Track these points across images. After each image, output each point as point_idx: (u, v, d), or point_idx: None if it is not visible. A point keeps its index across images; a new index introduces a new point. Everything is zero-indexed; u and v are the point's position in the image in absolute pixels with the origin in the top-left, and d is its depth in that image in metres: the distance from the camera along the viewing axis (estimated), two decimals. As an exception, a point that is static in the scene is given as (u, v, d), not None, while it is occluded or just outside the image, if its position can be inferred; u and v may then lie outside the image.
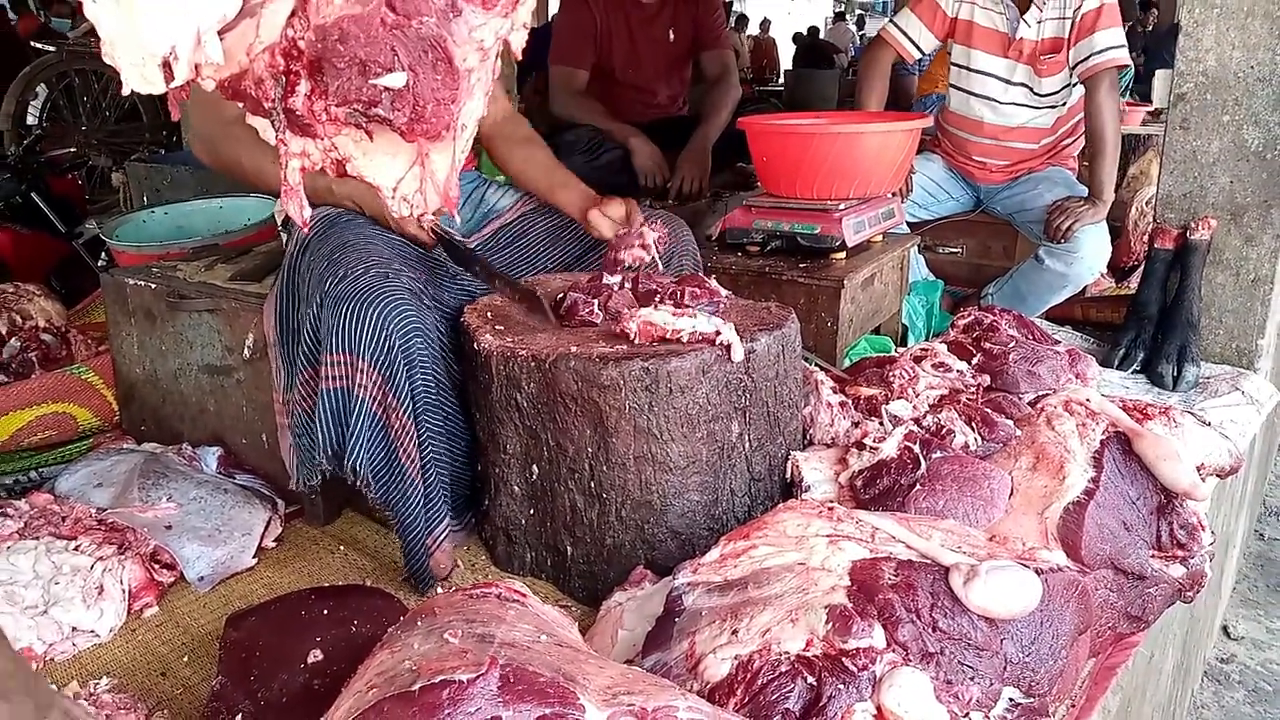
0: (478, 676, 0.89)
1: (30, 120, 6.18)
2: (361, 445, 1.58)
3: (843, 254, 2.45)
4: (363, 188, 1.35)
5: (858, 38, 18.38)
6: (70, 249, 3.89)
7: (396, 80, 0.82)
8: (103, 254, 3.58)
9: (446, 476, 1.73)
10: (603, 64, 3.41)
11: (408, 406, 1.59)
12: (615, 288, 1.74)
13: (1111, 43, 2.84)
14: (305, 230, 1.77)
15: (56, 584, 1.56)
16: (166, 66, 0.80)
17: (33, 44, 6.45)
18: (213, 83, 0.85)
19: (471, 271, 1.89)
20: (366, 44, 0.81)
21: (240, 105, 0.88)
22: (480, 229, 2.10)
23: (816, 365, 2.05)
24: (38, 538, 1.67)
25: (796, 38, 14.65)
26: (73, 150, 5.48)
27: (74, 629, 1.53)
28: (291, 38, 0.82)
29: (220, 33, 0.80)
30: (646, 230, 1.88)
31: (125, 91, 0.82)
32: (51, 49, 6.23)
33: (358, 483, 1.61)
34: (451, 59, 0.84)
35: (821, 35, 15.74)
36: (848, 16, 22.73)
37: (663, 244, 1.92)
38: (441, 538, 1.65)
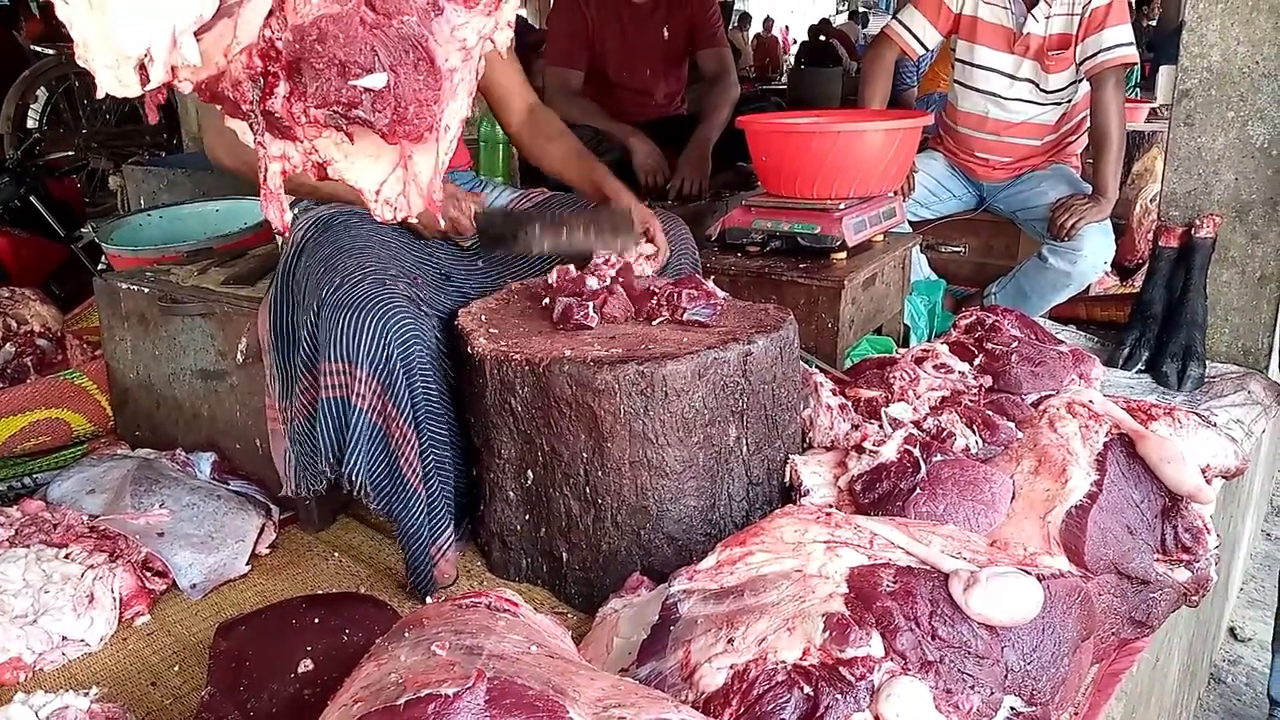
0: (464, 690, 0.87)
1: (30, 124, 6.16)
2: (360, 456, 1.56)
3: (843, 254, 2.42)
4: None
5: (862, 35, 18.31)
6: (69, 253, 3.88)
7: (377, 81, 0.80)
8: (101, 258, 3.56)
9: (450, 484, 1.70)
10: (597, 65, 3.38)
11: (408, 416, 1.57)
12: (610, 290, 1.72)
13: (1120, 40, 2.81)
14: (286, 233, 1.74)
15: (46, 593, 1.54)
16: (142, 69, 0.78)
17: (33, 47, 6.44)
18: (190, 85, 0.83)
19: (515, 238, 1.89)
20: (345, 44, 0.79)
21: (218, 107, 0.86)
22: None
23: (816, 367, 2.03)
24: (28, 545, 1.65)
25: (811, 30, 14.55)
26: (71, 154, 5.45)
27: (64, 638, 1.52)
28: (269, 38, 0.81)
29: (197, 33, 0.79)
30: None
31: (101, 94, 0.80)
32: (51, 52, 6.21)
33: (356, 492, 1.59)
34: (433, 59, 0.82)
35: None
36: (849, 8, 22.60)
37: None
38: (446, 546, 1.63)
